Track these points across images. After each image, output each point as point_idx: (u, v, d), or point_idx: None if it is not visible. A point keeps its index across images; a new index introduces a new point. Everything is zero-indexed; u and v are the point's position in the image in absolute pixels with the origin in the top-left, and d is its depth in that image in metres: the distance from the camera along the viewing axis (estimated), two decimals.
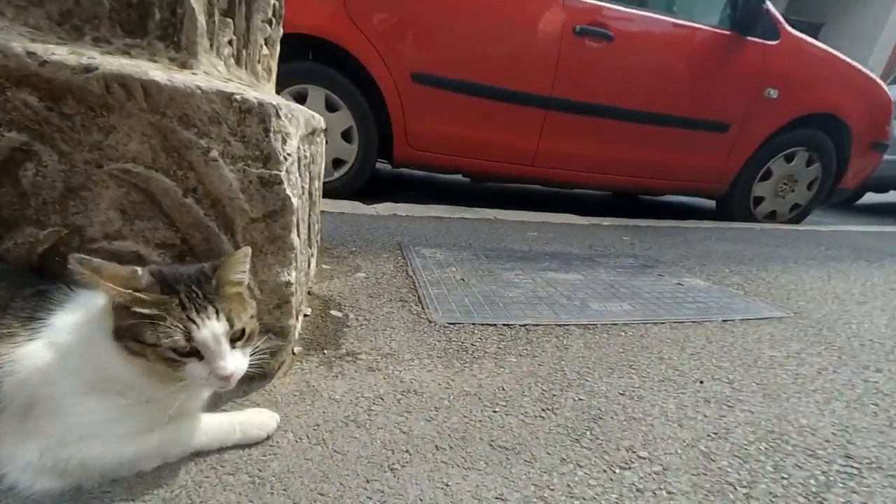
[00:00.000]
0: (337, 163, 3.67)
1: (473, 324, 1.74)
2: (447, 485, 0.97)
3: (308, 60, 3.33)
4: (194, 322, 0.79)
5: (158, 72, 0.89)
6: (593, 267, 2.56)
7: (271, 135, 0.99)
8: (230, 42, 1.21)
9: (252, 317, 0.92)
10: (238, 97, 0.94)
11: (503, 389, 1.34)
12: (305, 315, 1.62)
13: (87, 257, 0.74)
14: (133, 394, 0.82)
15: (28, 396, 0.77)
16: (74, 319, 0.83)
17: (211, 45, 1.12)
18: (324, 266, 2.14)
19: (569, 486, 0.99)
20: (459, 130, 3.74)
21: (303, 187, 1.26)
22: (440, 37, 3.45)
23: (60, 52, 0.85)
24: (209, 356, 0.81)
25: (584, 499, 0.95)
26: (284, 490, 0.90)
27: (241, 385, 1.17)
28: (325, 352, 1.43)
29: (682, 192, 4.59)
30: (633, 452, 1.10)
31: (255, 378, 1.22)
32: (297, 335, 1.38)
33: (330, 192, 3.48)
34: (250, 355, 0.92)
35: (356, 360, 1.41)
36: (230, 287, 0.88)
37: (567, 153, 3.97)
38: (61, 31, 0.97)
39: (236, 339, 0.86)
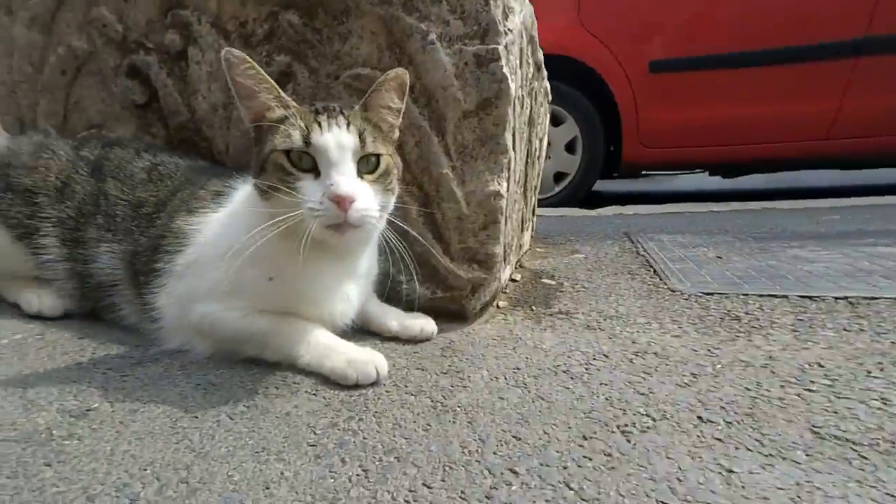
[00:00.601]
0: (558, 177, 3.54)
1: (745, 294, 1.20)
2: (730, 471, 0.56)
3: None
4: (319, 123, 0.68)
5: None
6: None
7: (491, 4, 0.87)
8: None
9: (391, 155, 0.76)
10: None
11: (819, 365, 0.81)
12: (514, 280, 1.43)
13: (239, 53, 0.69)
14: (260, 262, 0.74)
15: (196, 254, 0.80)
16: (246, 193, 0.83)
17: None
18: (537, 249, 1.93)
19: None
20: (710, 114, 3.11)
21: (521, 97, 1.05)
22: (682, 15, 3.05)
23: None
24: (326, 169, 0.67)
25: None
26: (469, 422, 0.68)
27: (439, 323, 1.03)
28: (534, 308, 1.18)
29: None
30: None
31: (452, 318, 1.06)
32: (504, 279, 1.18)
33: (550, 206, 3.37)
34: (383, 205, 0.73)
35: (570, 318, 1.11)
36: (378, 111, 0.76)
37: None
38: None
39: (368, 170, 0.71)
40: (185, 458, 0.55)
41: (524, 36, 1.06)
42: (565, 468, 0.57)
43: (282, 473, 0.54)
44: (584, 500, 0.51)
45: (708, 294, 1.24)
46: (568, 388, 0.78)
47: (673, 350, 0.92)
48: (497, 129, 0.93)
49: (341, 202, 0.65)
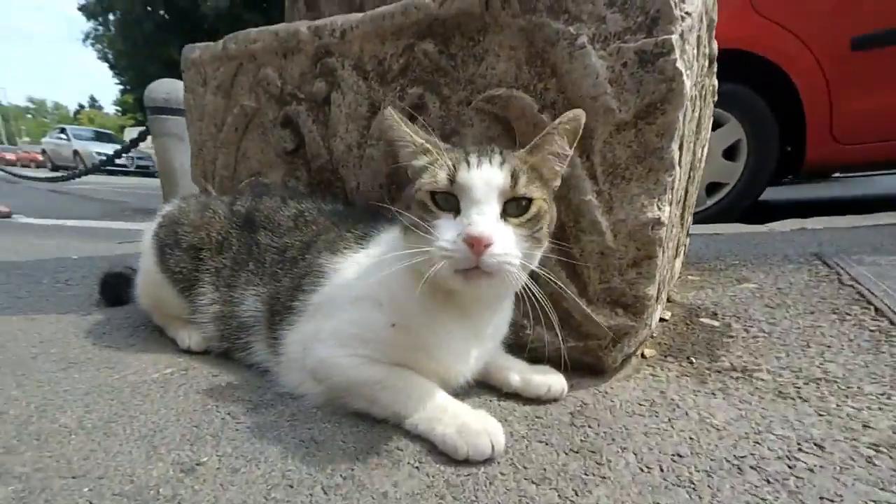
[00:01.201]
0: (712, 189, 3.05)
1: None
2: None
3: None
4: (467, 162, 0.62)
5: None
6: None
7: None
8: None
9: (545, 200, 0.66)
10: None
11: None
12: (662, 320, 1.17)
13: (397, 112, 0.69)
14: (386, 305, 0.72)
15: (329, 294, 0.77)
16: (385, 238, 0.80)
17: None
18: (689, 277, 1.59)
19: None
20: None
21: (694, 96, 0.86)
22: None
23: None
24: (466, 207, 0.60)
25: None
26: None
27: (568, 378, 0.86)
28: (693, 361, 0.92)
29: None
30: None
31: (585, 372, 0.87)
32: (654, 325, 0.95)
33: (700, 223, 2.92)
34: (530, 249, 0.64)
35: (751, 378, 0.83)
36: (545, 156, 0.68)
37: None
38: None
39: (516, 213, 0.63)
40: None
41: (704, 20, 0.85)
42: None
43: None
44: None
45: None
46: (765, 501, 0.53)
47: None
48: (661, 140, 0.74)
49: (476, 244, 0.57)
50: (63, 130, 17.70)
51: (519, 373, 0.82)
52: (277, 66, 1.15)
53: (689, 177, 1.20)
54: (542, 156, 0.68)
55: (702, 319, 1.15)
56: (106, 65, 20.79)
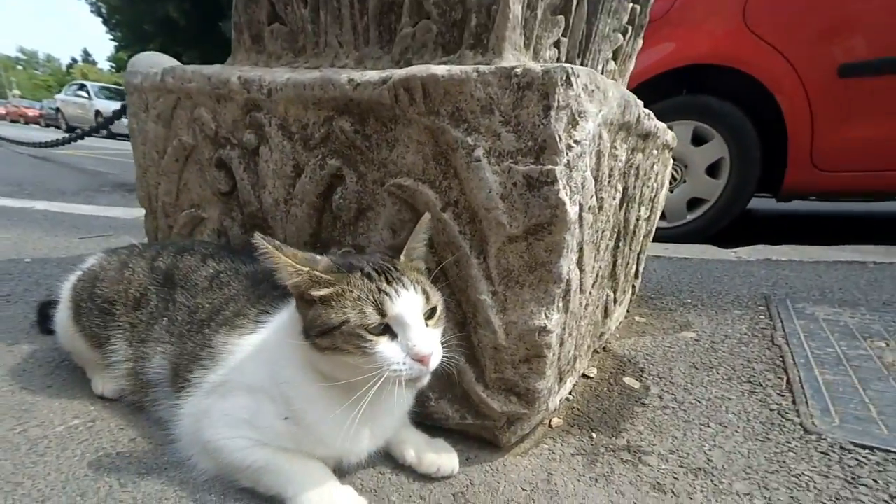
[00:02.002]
0: (693, 203, 3.04)
1: None
2: None
3: (681, 96, 2.94)
4: (387, 294, 0.69)
5: (441, 67, 0.81)
6: None
7: (552, 115, 0.73)
8: (556, 44, 1.00)
9: (438, 293, 0.76)
10: (519, 70, 0.71)
11: None
12: (587, 377, 1.20)
13: (270, 238, 0.71)
14: (285, 402, 0.75)
15: (224, 376, 0.79)
16: (277, 324, 0.82)
17: (526, 45, 0.94)
18: (637, 318, 1.62)
19: None
20: None
21: (598, 199, 0.90)
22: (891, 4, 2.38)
23: (371, 75, 0.90)
24: (404, 333, 0.69)
25: None
26: None
27: (468, 448, 0.90)
28: (594, 436, 0.96)
29: None
30: None
31: (483, 443, 0.91)
32: (554, 406, 0.99)
33: (677, 238, 2.88)
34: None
35: (637, 464, 0.87)
36: (418, 253, 0.80)
37: None
38: (392, 64, 1.02)
39: (429, 316, 0.73)
40: None
41: (605, 135, 0.86)
42: None
43: None
44: None
45: (864, 449, 0.87)
46: None
47: None
48: (550, 255, 0.76)
49: (425, 360, 0.69)
50: (83, 87, 15.97)
51: (415, 448, 0.85)
52: (211, 108, 1.15)
53: (619, 245, 1.21)
54: (416, 255, 0.79)
55: (625, 379, 1.19)
56: (100, 19, 20.06)
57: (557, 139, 0.71)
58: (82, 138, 6.09)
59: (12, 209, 3.00)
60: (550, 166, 0.72)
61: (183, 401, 0.84)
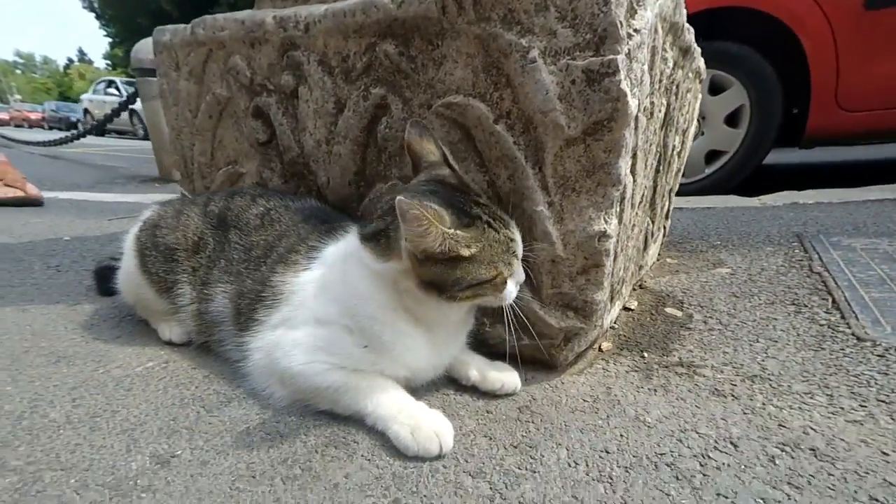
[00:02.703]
0: (711, 157, 2.97)
1: None
2: None
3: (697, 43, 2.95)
4: (513, 239, 0.75)
5: None
6: None
7: (612, 2, 0.70)
8: None
9: None
10: None
11: None
12: (628, 309, 1.21)
13: (426, 205, 0.66)
14: (364, 333, 0.77)
15: (289, 313, 0.82)
16: (341, 253, 0.83)
17: None
18: (668, 260, 1.62)
19: None
20: None
21: (650, 103, 0.88)
22: None
23: None
24: (516, 267, 0.76)
25: None
26: None
27: (525, 371, 0.92)
28: (646, 355, 0.98)
29: None
30: None
31: (540, 366, 0.93)
32: (607, 324, 1.00)
33: (696, 193, 2.81)
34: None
35: (693, 375, 0.88)
36: None
37: None
38: None
39: None
40: None
41: (660, 29, 0.84)
42: None
43: None
44: None
45: None
46: (668, 496, 0.60)
47: (845, 448, 0.65)
48: (609, 156, 0.76)
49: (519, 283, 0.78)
50: (112, 83, 15.20)
51: (477, 369, 0.87)
52: (246, 55, 1.14)
53: (659, 169, 1.21)
54: None
55: (666, 309, 1.20)
56: (93, 15, 19.88)
57: (619, 26, 0.70)
58: (84, 136, 6.21)
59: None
60: (612, 56, 0.71)
61: (251, 337, 0.86)
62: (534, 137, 0.80)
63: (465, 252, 0.69)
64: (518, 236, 0.77)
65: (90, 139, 9.26)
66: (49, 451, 0.69)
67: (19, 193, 2.55)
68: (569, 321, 0.86)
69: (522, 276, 0.78)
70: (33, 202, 2.56)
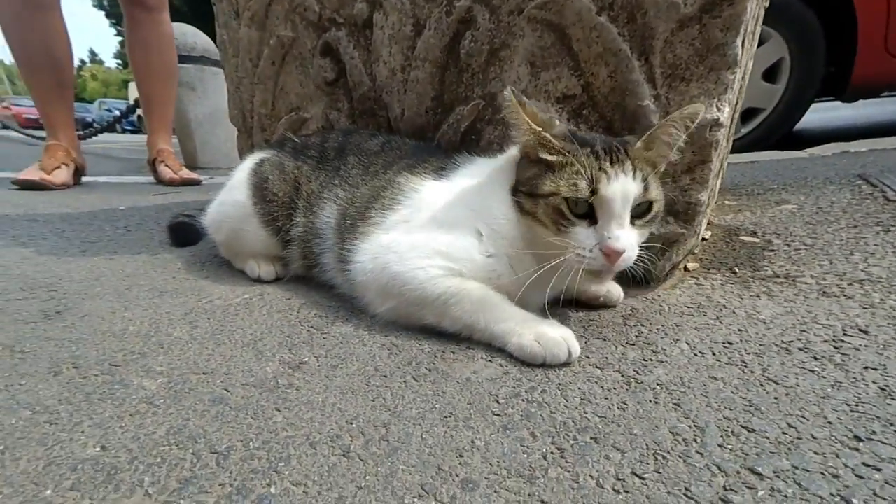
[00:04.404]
0: (747, 115, 2.86)
1: None
2: None
3: None
4: (605, 172, 0.66)
5: None
6: None
7: None
8: None
9: (662, 193, 0.72)
10: None
11: None
12: (703, 239, 1.20)
13: (517, 92, 0.69)
14: (494, 240, 0.76)
15: (410, 214, 0.82)
16: (475, 172, 0.83)
17: None
18: (726, 202, 1.60)
19: None
20: None
21: None
22: None
23: None
24: (606, 220, 0.66)
25: None
26: (676, 405, 0.57)
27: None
28: (736, 271, 0.97)
29: None
30: None
31: (630, 283, 0.93)
32: (700, 235, 0.98)
33: (732, 152, 2.82)
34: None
35: (795, 283, 0.88)
36: (661, 148, 0.71)
37: None
38: None
39: (640, 215, 0.69)
40: (383, 416, 0.58)
41: None
42: (836, 476, 0.43)
43: (472, 442, 0.52)
44: None
45: None
46: (812, 372, 0.60)
47: None
48: (726, 34, 0.73)
49: (612, 255, 0.66)
50: None
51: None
52: None
53: (741, 86, 1.17)
54: (657, 149, 0.71)
55: (742, 237, 1.19)
56: (102, 13, 20.07)
57: None
58: (101, 133, 6.36)
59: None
60: None
61: (357, 241, 0.84)
62: (641, 25, 0.78)
63: (543, 154, 0.70)
64: (621, 182, 0.66)
65: (106, 136, 9.40)
66: (186, 360, 0.72)
67: (193, 175, 2.88)
68: (669, 227, 0.85)
69: (615, 244, 0.65)
70: (195, 182, 2.86)
